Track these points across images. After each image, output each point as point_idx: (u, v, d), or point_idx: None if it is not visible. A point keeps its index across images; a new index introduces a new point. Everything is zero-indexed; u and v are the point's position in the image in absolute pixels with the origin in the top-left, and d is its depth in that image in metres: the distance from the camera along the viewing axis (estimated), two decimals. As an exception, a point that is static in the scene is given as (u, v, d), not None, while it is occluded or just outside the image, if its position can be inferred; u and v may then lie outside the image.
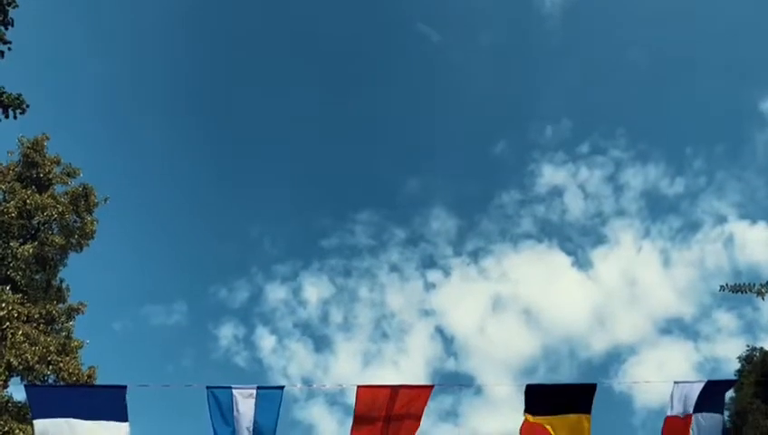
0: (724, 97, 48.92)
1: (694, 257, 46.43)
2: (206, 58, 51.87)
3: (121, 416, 7.42)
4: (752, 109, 47.54)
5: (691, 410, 9.02)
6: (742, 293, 11.89)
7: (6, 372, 14.00)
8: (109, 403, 7.40)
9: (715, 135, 50.87)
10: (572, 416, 8.48)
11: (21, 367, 14.04)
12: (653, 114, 52.09)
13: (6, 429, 13.89)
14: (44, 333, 15.33)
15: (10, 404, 14.76)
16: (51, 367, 14.76)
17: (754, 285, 11.83)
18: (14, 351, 14.03)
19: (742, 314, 43.07)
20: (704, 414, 9.06)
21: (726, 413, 17.36)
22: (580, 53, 51.52)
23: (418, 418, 8.36)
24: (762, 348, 16.76)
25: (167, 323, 47.02)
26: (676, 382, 9.10)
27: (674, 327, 48.89)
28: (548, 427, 8.48)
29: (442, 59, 51.98)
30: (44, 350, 14.74)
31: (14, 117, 10.20)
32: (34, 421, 7.29)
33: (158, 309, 48.90)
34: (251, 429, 7.88)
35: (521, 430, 8.62)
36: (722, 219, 47.08)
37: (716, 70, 48.49)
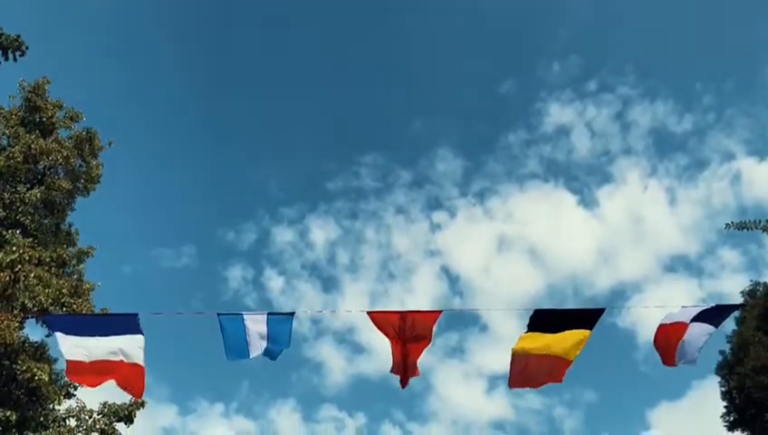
0: (735, 31, 47.77)
1: (700, 195, 46.38)
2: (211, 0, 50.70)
3: (136, 331, 7.92)
4: (763, 43, 46.50)
5: (688, 320, 8.90)
6: (747, 230, 11.82)
7: (21, 314, 14.27)
8: (123, 324, 7.96)
9: (725, 70, 50.01)
10: (573, 331, 8.47)
11: (35, 309, 14.31)
12: (663, 50, 51.10)
13: (25, 368, 14.30)
14: (56, 276, 15.55)
15: (27, 344, 15.13)
16: (64, 308, 15.03)
17: (760, 221, 11.75)
18: (27, 293, 14.27)
19: (746, 250, 43.33)
20: (700, 324, 8.91)
21: (728, 346, 17.66)
22: (589, -13, 50.07)
23: (429, 334, 8.50)
24: (765, 283, 16.87)
25: (176, 265, 47.72)
26: (683, 307, 9.07)
27: (678, 265, 49.32)
28: (545, 339, 8.43)
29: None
30: (57, 292, 15.00)
31: (14, 59, 10.06)
32: (59, 340, 7.84)
33: (167, 252, 49.52)
34: (263, 350, 8.09)
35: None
36: (730, 156, 46.76)
37: (727, 3, 47.14)
